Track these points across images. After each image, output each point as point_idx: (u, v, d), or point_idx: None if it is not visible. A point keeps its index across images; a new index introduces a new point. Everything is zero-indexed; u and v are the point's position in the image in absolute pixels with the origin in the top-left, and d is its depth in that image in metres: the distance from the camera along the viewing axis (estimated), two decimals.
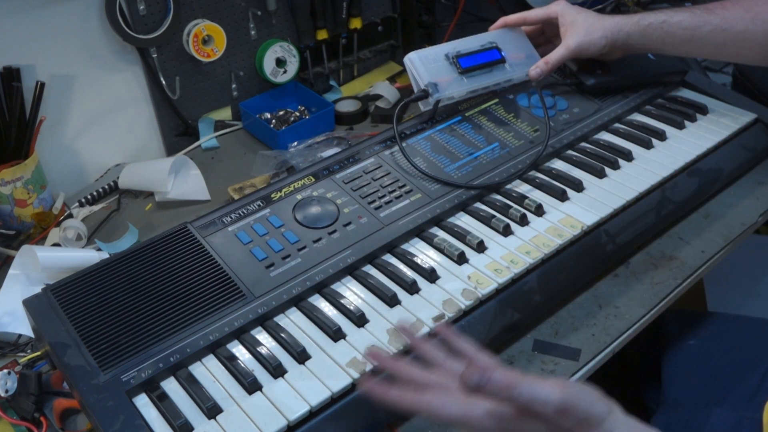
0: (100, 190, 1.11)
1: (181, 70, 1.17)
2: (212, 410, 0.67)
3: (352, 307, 0.77)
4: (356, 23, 1.31)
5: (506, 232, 0.87)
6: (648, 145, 1.02)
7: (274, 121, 1.23)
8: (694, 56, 1.11)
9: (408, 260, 0.84)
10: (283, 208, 0.88)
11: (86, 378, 0.69)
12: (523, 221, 0.88)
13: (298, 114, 1.25)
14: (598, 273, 0.88)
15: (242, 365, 0.71)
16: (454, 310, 0.77)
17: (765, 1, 0.96)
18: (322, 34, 1.28)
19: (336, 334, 0.74)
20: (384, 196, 0.90)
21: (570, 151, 1.02)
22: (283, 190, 0.90)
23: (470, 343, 0.63)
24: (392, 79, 1.37)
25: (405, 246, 0.86)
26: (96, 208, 1.08)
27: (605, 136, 1.05)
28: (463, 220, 0.90)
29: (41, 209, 1.04)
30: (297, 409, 0.67)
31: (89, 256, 0.91)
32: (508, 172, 0.96)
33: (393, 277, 0.81)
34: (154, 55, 1.13)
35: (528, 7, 1.14)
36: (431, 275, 0.81)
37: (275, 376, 0.71)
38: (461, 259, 0.83)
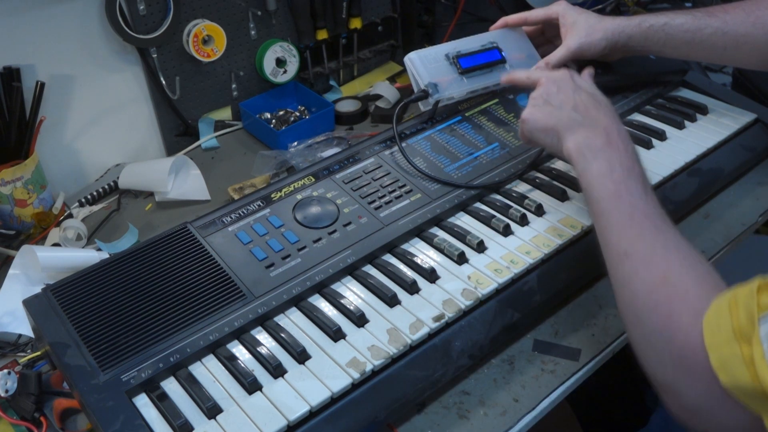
0: (100, 190, 1.10)
1: (181, 70, 1.17)
2: (212, 410, 0.67)
3: (352, 307, 0.77)
4: (356, 23, 1.31)
5: (506, 232, 0.87)
6: (648, 145, 1.02)
7: (274, 121, 1.23)
8: (694, 59, 1.11)
9: (408, 260, 0.83)
10: (283, 208, 0.88)
11: (86, 378, 0.69)
12: (523, 221, 0.88)
13: (298, 114, 1.25)
14: (598, 273, 0.88)
15: (242, 365, 0.71)
16: (454, 310, 0.77)
17: (766, 6, 0.96)
18: (322, 34, 1.28)
19: (336, 334, 0.74)
20: (384, 196, 0.90)
21: None
22: (283, 190, 0.90)
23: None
24: (392, 79, 1.37)
25: (405, 246, 0.86)
26: (96, 208, 1.08)
27: None
28: (463, 220, 0.90)
29: (41, 209, 1.04)
30: (297, 409, 0.67)
31: (89, 256, 0.91)
32: (508, 172, 0.96)
33: (393, 277, 0.81)
34: (154, 55, 1.13)
35: (528, 7, 1.14)
36: (431, 275, 0.81)
37: (275, 376, 0.71)
38: (461, 259, 0.83)
